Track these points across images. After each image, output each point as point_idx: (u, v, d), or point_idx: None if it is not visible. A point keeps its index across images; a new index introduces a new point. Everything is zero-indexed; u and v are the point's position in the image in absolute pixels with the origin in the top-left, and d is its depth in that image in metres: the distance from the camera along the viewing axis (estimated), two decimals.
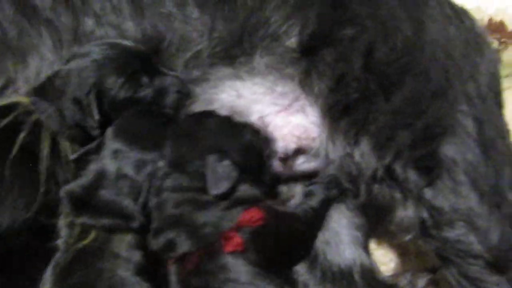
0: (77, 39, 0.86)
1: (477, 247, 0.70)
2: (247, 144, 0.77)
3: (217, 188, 0.71)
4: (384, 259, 0.94)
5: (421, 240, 0.74)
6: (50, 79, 0.81)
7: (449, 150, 0.72)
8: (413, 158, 0.72)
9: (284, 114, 0.86)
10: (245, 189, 0.74)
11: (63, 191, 0.73)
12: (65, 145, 0.81)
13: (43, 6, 0.84)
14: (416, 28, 0.79)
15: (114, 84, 0.79)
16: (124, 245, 0.72)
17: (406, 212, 0.73)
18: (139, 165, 0.75)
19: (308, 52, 0.82)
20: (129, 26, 0.87)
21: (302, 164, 0.88)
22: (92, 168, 0.75)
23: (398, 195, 0.73)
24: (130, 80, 0.80)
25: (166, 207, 0.73)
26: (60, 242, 0.74)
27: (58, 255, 0.72)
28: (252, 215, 0.72)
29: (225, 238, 0.70)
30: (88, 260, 0.71)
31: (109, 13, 0.85)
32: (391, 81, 0.75)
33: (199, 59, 0.82)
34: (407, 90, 0.74)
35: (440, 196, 0.71)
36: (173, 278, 0.71)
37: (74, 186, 0.75)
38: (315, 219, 0.82)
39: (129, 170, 0.75)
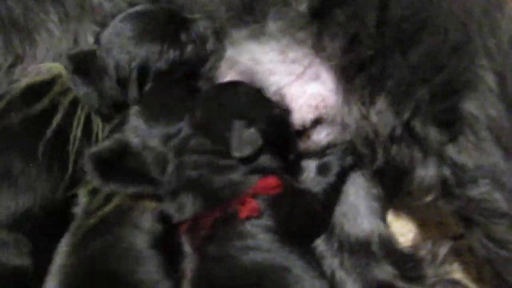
0: (84, 13, 0.85)
1: (503, 205, 0.67)
2: (275, 117, 0.77)
3: (240, 151, 0.70)
4: (403, 230, 0.90)
5: (442, 201, 0.70)
6: (87, 56, 0.81)
7: (470, 105, 0.68)
8: (433, 113, 0.68)
9: (299, 83, 0.84)
10: (265, 160, 0.73)
11: (88, 155, 0.73)
12: (98, 124, 0.80)
13: None
14: None
15: (159, 54, 0.78)
16: (147, 215, 0.71)
17: (426, 171, 0.69)
18: (165, 139, 0.75)
19: (319, 14, 0.80)
20: None
21: (320, 135, 0.86)
22: (116, 136, 0.75)
23: (418, 154, 0.70)
24: (172, 43, 0.79)
25: (185, 168, 0.72)
26: (78, 210, 0.73)
27: (76, 222, 0.72)
28: (269, 182, 0.71)
29: (240, 203, 0.68)
30: (108, 228, 0.70)
31: None
32: (407, 37, 0.72)
33: (213, 22, 0.82)
34: (424, 46, 0.71)
35: (463, 153, 0.68)
36: (187, 249, 0.69)
37: (99, 149, 0.74)
38: (332, 195, 0.80)
39: (153, 143, 0.74)
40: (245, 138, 0.71)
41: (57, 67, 0.82)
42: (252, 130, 0.71)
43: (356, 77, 0.72)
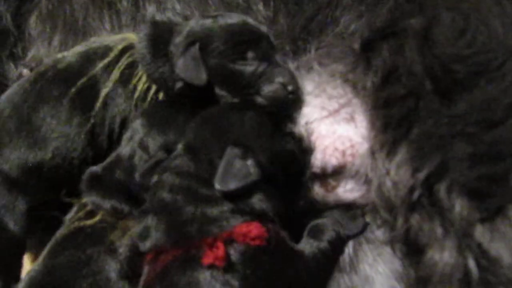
0: (135, 24, 0.85)
1: None
2: (285, 154, 0.65)
3: (223, 183, 0.58)
4: None
5: None
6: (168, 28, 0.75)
7: None
8: (467, 178, 0.50)
9: (329, 120, 0.71)
10: (256, 200, 0.60)
11: (86, 172, 0.69)
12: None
13: None
14: (510, 26, 0.60)
15: (217, 48, 0.70)
16: (126, 239, 0.64)
17: (442, 255, 0.50)
18: (151, 144, 0.69)
19: (367, 48, 0.69)
20: (192, 12, 0.84)
21: (343, 188, 0.71)
22: (116, 151, 0.71)
23: (438, 229, 0.51)
24: (234, 49, 0.70)
25: (161, 189, 0.62)
26: (67, 217, 0.69)
27: (60, 230, 0.68)
28: (251, 230, 0.57)
29: (207, 246, 0.56)
30: (81, 244, 0.64)
31: None
32: (458, 80, 0.56)
33: None
34: (479, 93, 0.54)
35: (499, 240, 0.47)
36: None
37: (96, 167, 0.70)
38: (323, 264, 0.63)
39: (140, 149, 0.69)
40: (235, 169, 0.59)
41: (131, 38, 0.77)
42: (249, 162, 0.59)
43: (380, 118, 0.57)
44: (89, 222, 0.66)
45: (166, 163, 0.65)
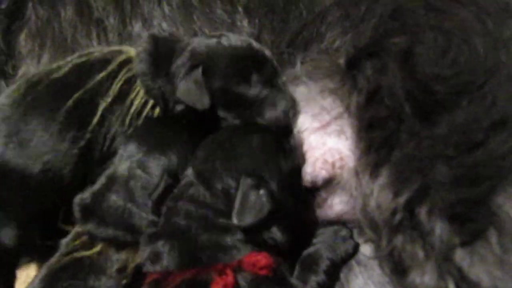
0: (122, 42, 0.85)
1: None
2: (290, 170, 0.66)
3: (241, 219, 0.59)
4: None
5: None
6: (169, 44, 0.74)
7: (505, 201, 0.49)
8: (447, 202, 0.50)
9: (320, 132, 0.72)
10: (268, 232, 0.62)
11: (76, 199, 0.68)
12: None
13: (96, 6, 0.84)
14: (492, 45, 0.60)
15: (221, 71, 0.70)
16: (124, 271, 0.64)
17: (422, 278, 0.50)
18: (152, 166, 0.67)
19: (353, 66, 0.69)
20: (178, 29, 0.84)
21: (332, 202, 0.71)
22: (105, 173, 0.69)
23: (419, 252, 0.52)
24: (239, 71, 0.70)
25: (176, 215, 0.63)
26: (63, 241, 0.68)
27: (56, 255, 0.67)
28: (260, 260, 0.58)
29: (217, 273, 0.57)
30: (79, 273, 0.64)
31: (157, 16, 0.83)
32: (439, 101, 0.56)
33: None
34: (460, 115, 0.55)
35: (479, 264, 0.48)
36: None
37: (85, 193, 0.69)
38: None
39: (140, 170, 0.67)
40: (250, 202, 0.60)
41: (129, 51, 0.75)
42: (262, 192, 0.60)
43: (363, 140, 0.57)
44: (87, 253, 0.65)
45: (178, 190, 0.65)
